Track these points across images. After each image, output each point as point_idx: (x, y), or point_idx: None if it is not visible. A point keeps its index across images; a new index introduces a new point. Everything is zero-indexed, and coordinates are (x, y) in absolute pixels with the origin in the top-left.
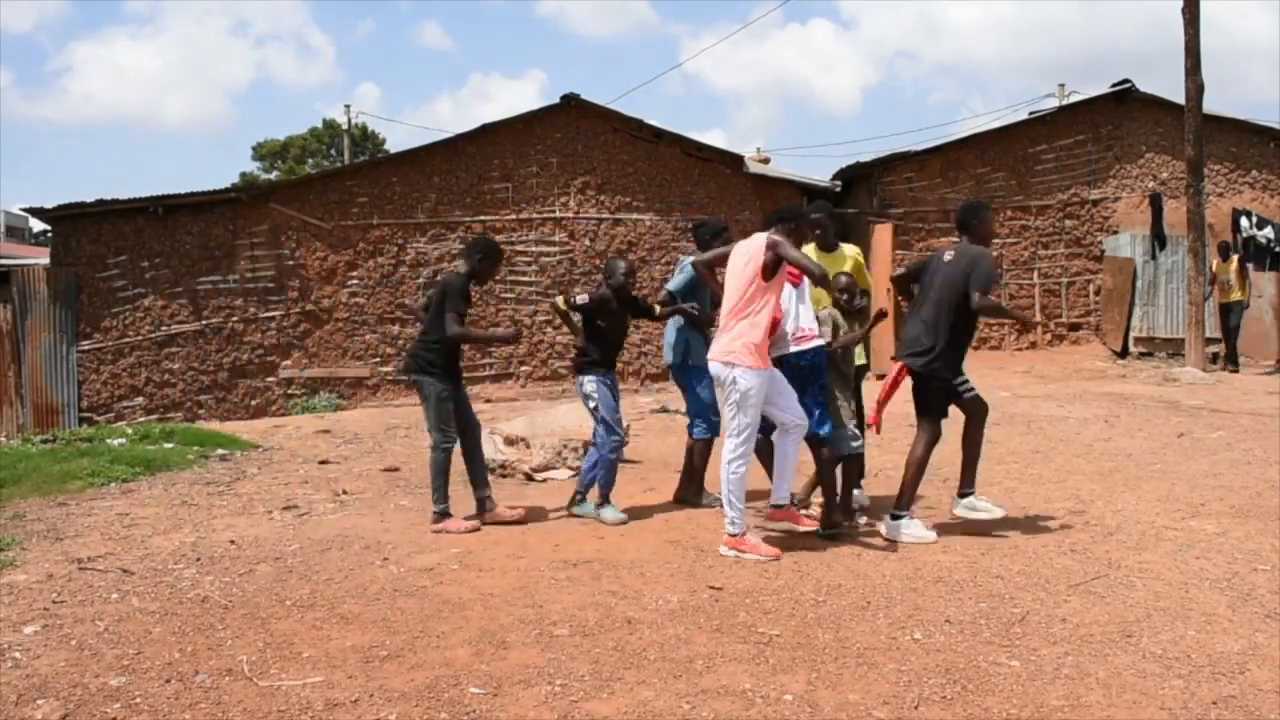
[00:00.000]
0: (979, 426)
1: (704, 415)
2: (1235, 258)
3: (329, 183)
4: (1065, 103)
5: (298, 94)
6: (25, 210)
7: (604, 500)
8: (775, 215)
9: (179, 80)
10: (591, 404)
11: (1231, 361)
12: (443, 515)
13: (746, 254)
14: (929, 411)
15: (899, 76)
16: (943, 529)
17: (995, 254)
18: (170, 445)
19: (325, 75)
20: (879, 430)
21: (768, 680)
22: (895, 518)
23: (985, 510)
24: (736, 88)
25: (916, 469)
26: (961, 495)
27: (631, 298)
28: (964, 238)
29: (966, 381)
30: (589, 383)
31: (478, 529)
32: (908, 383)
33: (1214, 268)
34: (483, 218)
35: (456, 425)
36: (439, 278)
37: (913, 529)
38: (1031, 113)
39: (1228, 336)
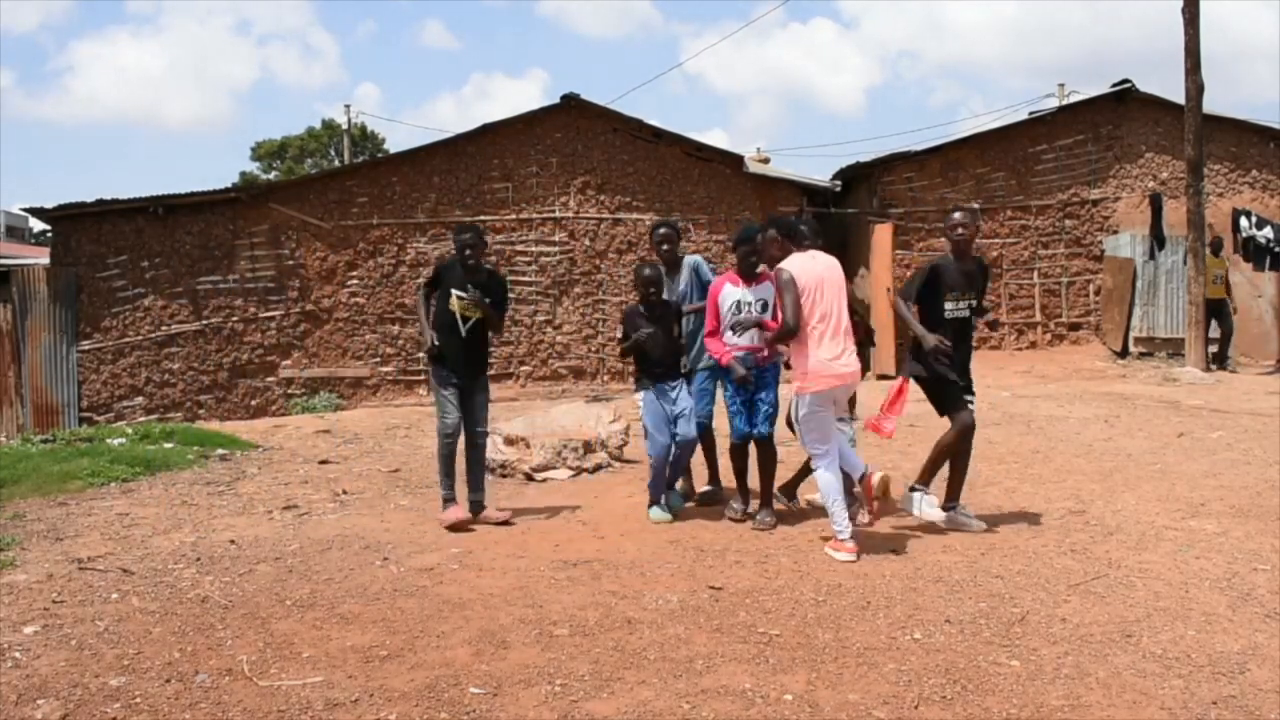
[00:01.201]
0: (955, 439)
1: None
2: (1226, 256)
3: (329, 183)
4: (1065, 103)
5: (301, 94)
6: (25, 210)
7: (652, 501)
8: (812, 229)
9: (181, 80)
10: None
11: (1219, 360)
12: (444, 502)
13: (837, 278)
14: (943, 408)
15: (901, 77)
16: (944, 528)
17: (995, 254)
18: (170, 445)
19: (328, 75)
20: (890, 436)
21: (768, 680)
22: (912, 490)
23: (930, 512)
24: (738, 87)
25: (940, 451)
26: (912, 489)
27: (658, 304)
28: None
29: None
30: (637, 396)
31: (458, 523)
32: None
33: (1206, 260)
34: (483, 217)
35: (461, 419)
36: None
37: (924, 504)
38: (1031, 113)
39: (1206, 327)
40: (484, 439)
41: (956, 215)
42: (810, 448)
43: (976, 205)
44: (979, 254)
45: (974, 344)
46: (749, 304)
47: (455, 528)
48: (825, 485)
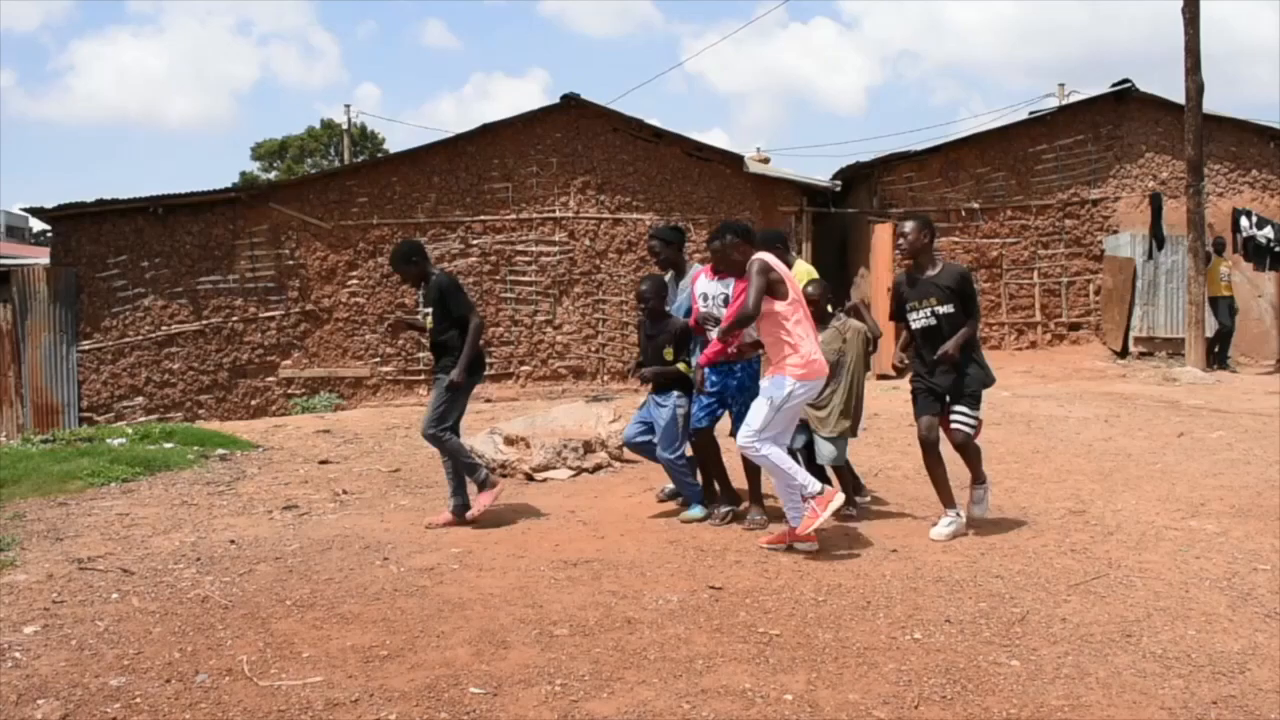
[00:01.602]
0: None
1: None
2: (1228, 257)
3: (329, 182)
4: (1065, 102)
5: (302, 94)
6: (25, 210)
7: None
8: (765, 238)
9: (182, 80)
10: None
11: (1220, 361)
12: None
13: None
14: None
15: (902, 76)
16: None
17: (995, 254)
18: (170, 445)
19: (329, 75)
20: None
21: (768, 680)
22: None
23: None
24: (738, 87)
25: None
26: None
27: (650, 318)
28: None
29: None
30: None
31: (429, 523)
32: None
33: (1213, 259)
34: (483, 217)
35: None
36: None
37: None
38: (1031, 112)
39: (1219, 330)
40: (433, 441)
41: (901, 226)
42: (756, 440)
43: (920, 213)
44: (950, 260)
45: (941, 359)
46: (713, 296)
47: (430, 526)
48: (778, 459)
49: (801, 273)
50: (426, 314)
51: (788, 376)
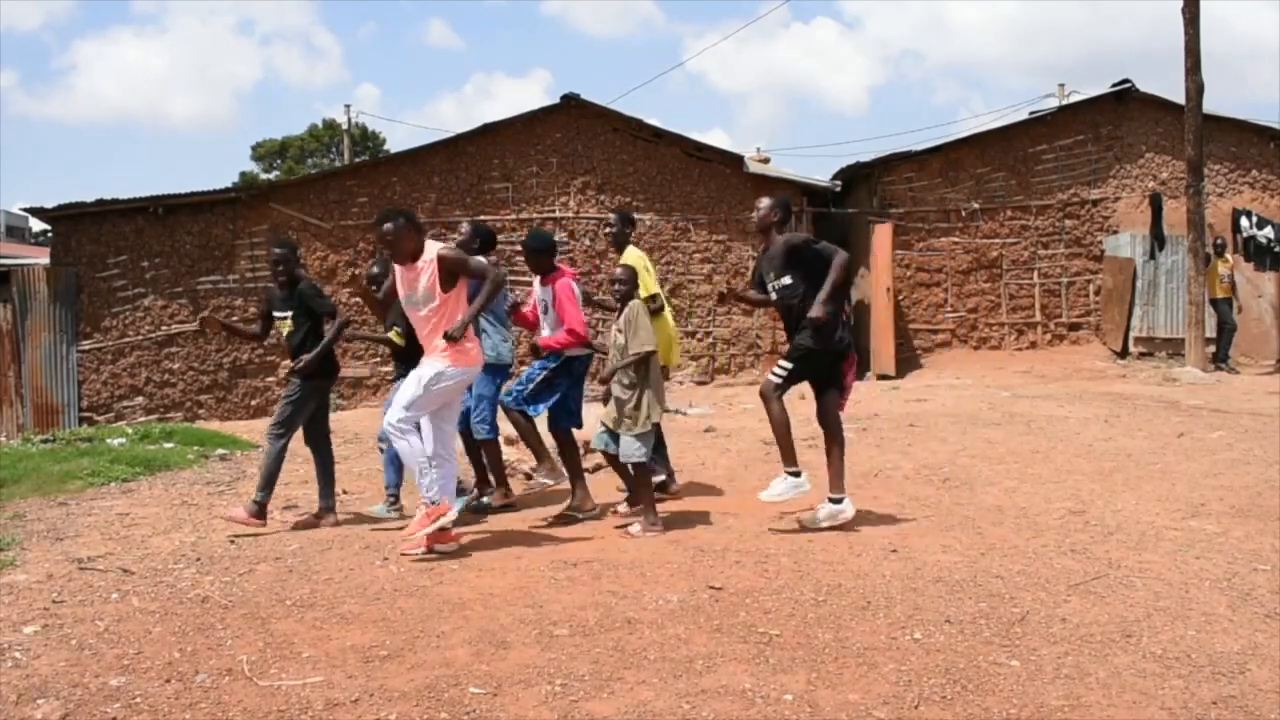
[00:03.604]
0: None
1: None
2: (1229, 258)
3: (329, 182)
4: (1065, 102)
5: (304, 93)
6: (25, 210)
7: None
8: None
9: (184, 79)
10: None
11: (1221, 360)
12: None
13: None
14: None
15: (904, 76)
16: (944, 528)
17: (995, 254)
18: (170, 445)
19: (330, 75)
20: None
21: (768, 680)
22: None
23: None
24: (739, 87)
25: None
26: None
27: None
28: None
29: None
30: None
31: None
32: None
33: (1214, 260)
34: (482, 218)
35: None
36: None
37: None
38: (1032, 112)
39: (1220, 331)
40: (267, 439)
41: (757, 202)
42: (404, 417)
43: (769, 200)
44: (795, 234)
45: (805, 323)
46: (540, 301)
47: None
48: (413, 451)
49: (633, 258)
50: (284, 317)
51: (444, 360)
